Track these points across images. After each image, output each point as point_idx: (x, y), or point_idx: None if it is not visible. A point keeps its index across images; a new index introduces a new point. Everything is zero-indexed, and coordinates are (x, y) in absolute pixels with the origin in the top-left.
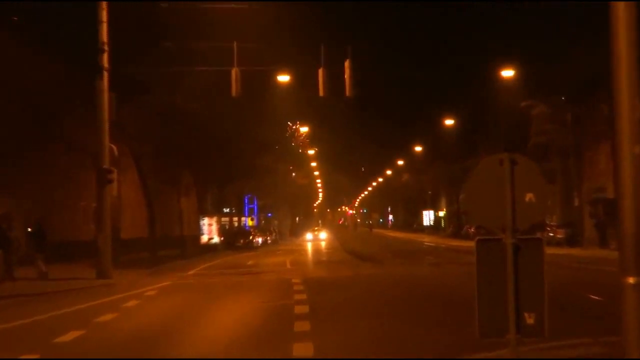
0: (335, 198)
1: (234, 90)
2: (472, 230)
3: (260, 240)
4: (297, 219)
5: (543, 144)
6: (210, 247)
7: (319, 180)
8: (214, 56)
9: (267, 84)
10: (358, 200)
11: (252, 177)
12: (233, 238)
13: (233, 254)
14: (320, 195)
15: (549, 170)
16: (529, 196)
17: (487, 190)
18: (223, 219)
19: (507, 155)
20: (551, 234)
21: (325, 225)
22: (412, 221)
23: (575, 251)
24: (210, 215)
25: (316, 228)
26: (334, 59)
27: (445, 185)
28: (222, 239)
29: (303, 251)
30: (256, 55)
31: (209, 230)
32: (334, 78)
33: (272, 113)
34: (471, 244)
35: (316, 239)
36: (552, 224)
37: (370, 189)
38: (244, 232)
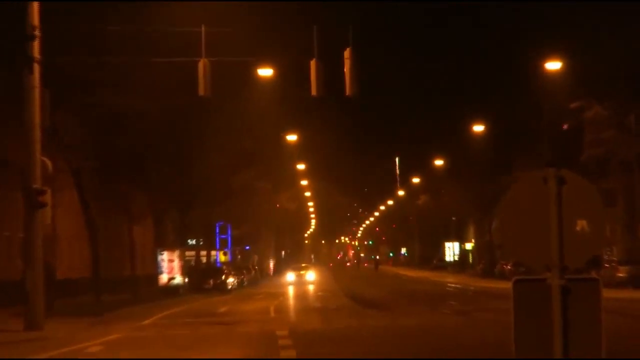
0: (332, 226)
1: (201, 88)
2: (509, 267)
3: (235, 280)
4: (283, 252)
5: (599, 156)
6: (171, 290)
7: (310, 204)
8: (177, 45)
9: (244, 80)
10: (362, 227)
11: (224, 200)
12: (200, 278)
13: (201, 298)
14: (313, 222)
15: (608, 190)
16: (581, 224)
17: (527, 217)
18: (187, 253)
19: (552, 172)
20: (611, 273)
21: (320, 260)
22: (431, 256)
23: None
24: (170, 249)
25: (303, 265)
26: (331, 47)
27: (474, 211)
28: (186, 279)
29: (290, 295)
30: (230, 43)
31: (170, 268)
32: (331, 72)
33: (251, 117)
34: (508, 285)
35: (301, 282)
36: (611, 259)
37: (377, 214)
38: (214, 270)
